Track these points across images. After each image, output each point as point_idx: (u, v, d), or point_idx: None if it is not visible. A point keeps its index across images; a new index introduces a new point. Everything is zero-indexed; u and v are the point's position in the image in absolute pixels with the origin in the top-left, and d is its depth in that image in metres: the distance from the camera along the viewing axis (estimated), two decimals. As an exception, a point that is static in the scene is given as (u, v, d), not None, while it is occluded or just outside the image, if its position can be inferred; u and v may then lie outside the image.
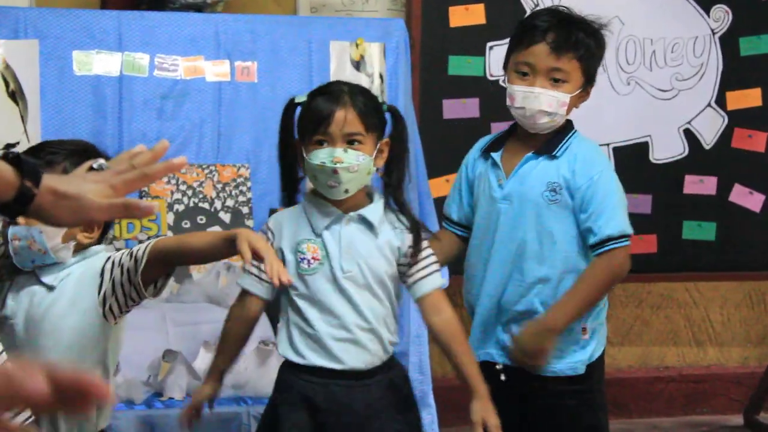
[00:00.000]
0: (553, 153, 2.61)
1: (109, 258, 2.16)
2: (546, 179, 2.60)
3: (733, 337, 4.46)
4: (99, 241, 2.24)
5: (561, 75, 2.57)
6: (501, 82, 2.71)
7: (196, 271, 3.36)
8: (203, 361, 2.87)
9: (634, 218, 2.66)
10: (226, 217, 3.48)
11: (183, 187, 3.48)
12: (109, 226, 2.30)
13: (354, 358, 2.28)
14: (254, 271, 2.31)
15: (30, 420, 1.64)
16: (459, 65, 3.82)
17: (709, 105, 4.02)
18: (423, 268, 2.33)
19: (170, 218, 3.43)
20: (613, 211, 2.58)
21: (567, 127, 2.67)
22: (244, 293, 2.37)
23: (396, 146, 2.35)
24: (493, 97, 3.63)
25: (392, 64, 3.67)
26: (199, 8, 3.61)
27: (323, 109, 2.26)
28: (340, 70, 3.61)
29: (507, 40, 2.70)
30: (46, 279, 2.17)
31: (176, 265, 2.18)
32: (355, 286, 2.28)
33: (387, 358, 2.33)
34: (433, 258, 2.35)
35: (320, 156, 2.25)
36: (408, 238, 2.32)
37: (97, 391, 0.93)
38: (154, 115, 3.52)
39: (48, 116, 3.43)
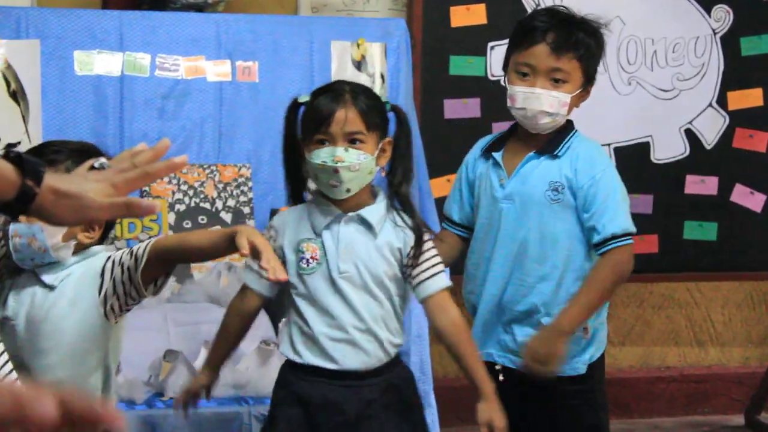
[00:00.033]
0: (555, 152, 2.62)
1: (109, 257, 2.17)
2: (548, 178, 2.60)
3: (735, 337, 4.46)
4: (100, 242, 2.24)
5: (561, 75, 2.57)
6: (502, 83, 2.71)
7: (198, 271, 3.36)
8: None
9: (635, 218, 2.66)
10: (227, 217, 3.48)
11: (184, 187, 3.48)
12: (110, 226, 2.30)
13: (349, 359, 2.28)
14: (255, 267, 2.31)
15: None
16: (460, 65, 3.82)
17: (710, 105, 4.02)
18: (427, 269, 2.31)
19: (171, 218, 3.44)
20: (617, 209, 2.59)
21: (568, 127, 2.67)
22: (245, 288, 2.38)
23: (400, 145, 2.34)
24: (494, 97, 3.63)
25: (393, 64, 3.67)
26: (200, 8, 3.61)
27: (324, 108, 2.26)
28: (341, 70, 3.61)
29: (508, 40, 2.70)
30: (47, 279, 2.17)
31: (177, 263, 2.18)
32: (352, 287, 2.28)
33: (388, 359, 2.32)
34: (438, 259, 2.33)
35: (321, 155, 2.24)
36: (411, 239, 2.31)
37: (109, 420, 0.92)
38: (155, 115, 3.52)
39: (49, 116, 3.44)
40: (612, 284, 2.60)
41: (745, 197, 4.05)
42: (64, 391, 0.91)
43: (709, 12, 3.98)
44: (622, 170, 2.71)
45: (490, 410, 2.29)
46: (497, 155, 2.68)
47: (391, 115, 2.35)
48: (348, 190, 2.26)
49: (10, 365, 1.62)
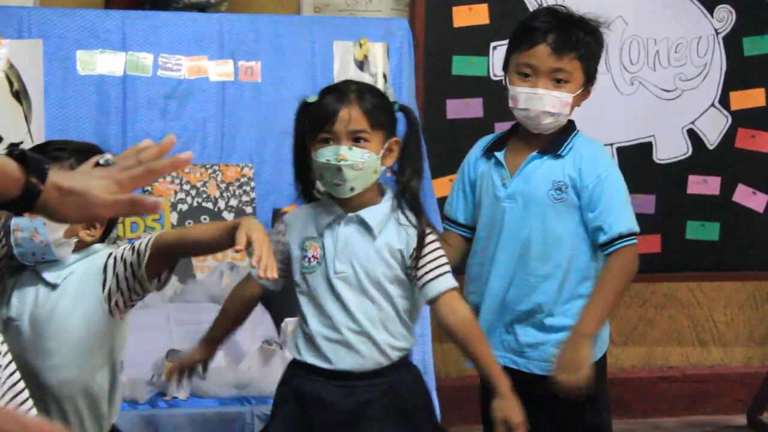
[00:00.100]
0: (558, 152, 2.62)
1: (110, 254, 2.17)
2: (551, 178, 2.60)
3: (737, 337, 4.46)
4: (101, 240, 2.24)
5: (563, 75, 2.58)
6: (504, 83, 2.70)
7: (200, 271, 3.37)
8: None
9: (638, 218, 2.66)
10: (229, 217, 3.49)
11: (186, 187, 3.49)
12: (111, 224, 2.30)
13: (343, 360, 2.27)
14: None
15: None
16: (462, 65, 3.82)
17: (712, 105, 4.02)
18: (431, 270, 2.28)
19: (174, 218, 3.44)
20: (622, 209, 2.60)
21: (570, 127, 2.68)
22: (250, 276, 2.41)
23: (410, 145, 2.33)
24: (496, 97, 3.62)
25: (396, 64, 3.67)
26: (202, 8, 3.61)
27: (329, 107, 2.26)
28: (343, 69, 3.61)
29: (508, 41, 2.70)
30: (49, 277, 2.17)
31: (179, 257, 2.18)
32: (348, 288, 2.27)
33: (388, 362, 2.30)
34: (443, 260, 2.30)
35: (325, 154, 2.24)
36: (414, 238, 2.29)
37: None
38: (157, 115, 3.52)
39: (52, 116, 3.44)
40: (624, 284, 2.61)
41: (747, 197, 4.05)
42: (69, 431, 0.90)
43: (711, 12, 3.98)
44: (624, 170, 2.72)
45: (507, 407, 2.26)
46: (499, 155, 2.68)
47: (400, 115, 2.35)
48: (352, 189, 2.26)
49: (13, 366, 1.62)
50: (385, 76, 3.65)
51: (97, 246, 2.22)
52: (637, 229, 2.61)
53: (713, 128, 4.02)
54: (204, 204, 3.49)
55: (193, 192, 3.49)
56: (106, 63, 3.49)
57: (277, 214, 3.42)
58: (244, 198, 3.52)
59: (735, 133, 4.02)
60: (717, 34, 4.00)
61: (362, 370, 2.28)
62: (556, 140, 2.64)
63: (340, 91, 2.29)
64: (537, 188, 2.61)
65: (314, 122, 2.29)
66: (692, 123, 4.01)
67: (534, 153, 2.63)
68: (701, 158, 4.01)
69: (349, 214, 2.30)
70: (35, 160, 1.37)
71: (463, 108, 3.83)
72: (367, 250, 2.28)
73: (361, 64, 3.65)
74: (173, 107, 3.54)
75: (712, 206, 4.03)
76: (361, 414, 2.27)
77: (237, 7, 3.72)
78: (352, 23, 3.73)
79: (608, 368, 2.78)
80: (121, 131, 3.48)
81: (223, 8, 3.66)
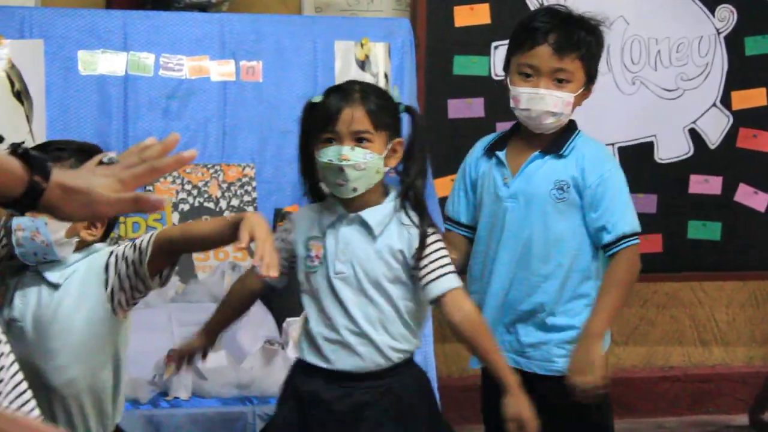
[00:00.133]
0: (560, 152, 2.62)
1: (112, 252, 2.16)
2: (553, 177, 2.60)
3: (738, 336, 4.46)
4: (102, 239, 2.24)
5: (564, 75, 2.58)
6: (505, 83, 2.70)
7: (201, 272, 3.37)
8: (209, 360, 2.87)
9: (639, 218, 2.66)
10: (231, 217, 3.49)
11: (188, 187, 3.49)
12: (112, 224, 2.29)
13: (342, 360, 2.27)
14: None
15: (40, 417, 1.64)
16: (464, 65, 3.82)
17: (714, 105, 4.02)
18: (434, 270, 2.26)
19: (175, 218, 3.44)
20: (625, 208, 2.60)
21: (571, 127, 2.67)
22: (252, 270, 2.41)
23: (414, 146, 2.32)
24: (498, 97, 3.61)
25: (397, 64, 3.68)
26: (204, 8, 3.62)
27: (332, 107, 2.25)
28: (345, 69, 3.62)
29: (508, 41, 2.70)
30: (51, 277, 2.16)
31: (182, 253, 2.18)
32: (348, 288, 2.27)
33: (389, 364, 2.29)
34: (447, 260, 2.29)
35: (328, 154, 2.24)
36: (416, 238, 2.27)
37: None
38: (159, 115, 3.52)
39: (53, 116, 3.44)
40: (630, 284, 2.62)
41: (748, 197, 4.05)
42: None
43: (713, 12, 3.98)
44: (625, 170, 2.72)
45: (517, 404, 2.24)
46: (501, 154, 2.68)
47: (405, 116, 2.34)
48: (354, 189, 2.25)
49: (16, 366, 1.61)
50: (386, 76, 3.65)
51: (99, 245, 2.22)
52: (639, 228, 2.62)
53: (715, 128, 4.02)
54: (205, 204, 3.49)
55: (195, 192, 3.49)
56: (108, 63, 3.49)
57: (278, 214, 3.42)
58: (246, 198, 3.52)
59: (736, 132, 4.03)
60: (718, 33, 4.00)
61: (361, 371, 2.27)
62: (557, 140, 2.64)
63: (344, 91, 2.28)
64: (539, 188, 2.61)
65: (318, 122, 2.28)
66: (694, 123, 4.01)
67: (536, 153, 2.63)
68: (703, 158, 4.02)
69: (351, 215, 2.29)
70: (38, 158, 1.37)
71: (464, 108, 3.83)
72: (367, 250, 2.28)
73: (363, 64, 3.65)
74: (175, 107, 3.54)
75: (713, 206, 4.03)
76: (359, 415, 2.27)
77: (238, 7, 3.72)
78: (353, 23, 3.73)
79: (610, 368, 2.77)
80: (123, 131, 3.48)
81: (225, 8, 3.66)
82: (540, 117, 2.58)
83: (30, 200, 1.36)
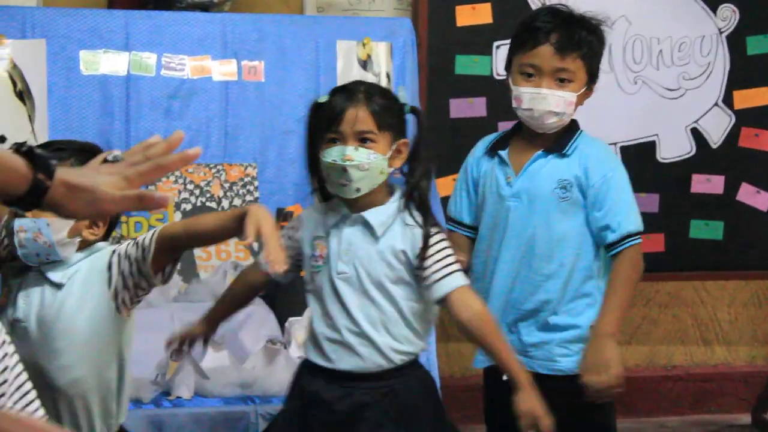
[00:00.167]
0: (563, 151, 2.62)
1: (114, 251, 2.16)
2: (557, 176, 2.60)
3: (741, 336, 4.46)
4: (104, 238, 2.24)
5: (566, 75, 2.57)
6: (507, 82, 2.70)
7: (204, 271, 3.37)
8: (211, 360, 2.87)
9: (642, 217, 2.66)
10: (233, 217, 3.49)
11: (190, 187, 3.49)
12: (114, 223, 2.29)
13: (343, 360, 2.26)
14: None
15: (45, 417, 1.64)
16: (466, 64, 3.82)
17: (716, 104, 4.02)
18: (439, 270, 2.25)
19: (177, 217, 3.44)
20: (630, 207, 2.61)
21: (573, 126, 2.67)
22: (256, 263, 2.42)
23: (419, 147, 2.31)
24: (500, 97, 3.60)
25: (399, 64, 3.68)
26: (206, 8, 3.62)
27: (337, 107, 2.25)
28: (347, 69, 3.62)
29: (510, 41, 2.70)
30: (54, 277, 2.16)
31: (185, 249, 2.18)
32: (349, 289, 2.26)
33: (391, 366, 2.27)
34: (451, 259, 2.27)
35: (332, 154, 2.23)
36: (419, 238, 2.26)
37: None
38: (161, 115, 3.53)
39: (55, 116, 3.44)
40: (636, 282, 2.62)
41: (751, 196, 4.05)
42: None
43: (714, 11, 3.98)
44: (628, 169, 2.71)
45: (529, 400, 2.22)
46: (503, 153, 2.67)
47: (410, 116, 2.33)
48: (358, 190, 2.24)
49: (21, 366, 1.61)
50: (388, 76, 3.65)
51: (101, 244, 2.22)
52: (643, 227, 2.62)
53: (717, 127, 4.02)
54: (208, 203, 3.49)
55: (197, 191, 3.49)
56: (110, 63, 3.49)
57: (280, 214, 3.42)
58: (248, 197, 3.53)
59: (738, 132, 4.03)
60: (720, 33, 4.00)
61: (362, 371, 2.26)
62: (560, 139, 2.64)
63: (348, 92, 2.28)
64: (542, 187, 2.61)
65: (322, 122, 2.28)
66: (696, 122, 4.01)
67: (539, 152, 2.63)
68: (705, 157, 4.02)
69: (354, 215, 2.29)
70: (42, 156, 1.37)
71: (466, 107, 3.83)
72: (369, 251, 2.27)
73: (365, 64, 3.65)
74: (177, 107, 3.54)
75: (715, 205, 4.04)
76: (359, 415, 2.26)
77: (240, 7, 3.73)
78: (355, 23, 3.73)
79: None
80: (125, 131, 3.49)
81: (226, 8, 3.66)
82: (542, 117, 2.58)
83: (34, 198, 1.36)
